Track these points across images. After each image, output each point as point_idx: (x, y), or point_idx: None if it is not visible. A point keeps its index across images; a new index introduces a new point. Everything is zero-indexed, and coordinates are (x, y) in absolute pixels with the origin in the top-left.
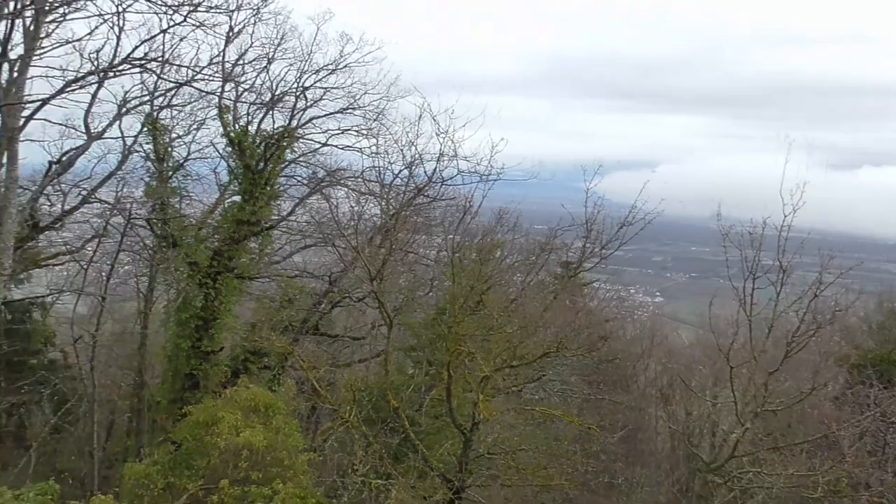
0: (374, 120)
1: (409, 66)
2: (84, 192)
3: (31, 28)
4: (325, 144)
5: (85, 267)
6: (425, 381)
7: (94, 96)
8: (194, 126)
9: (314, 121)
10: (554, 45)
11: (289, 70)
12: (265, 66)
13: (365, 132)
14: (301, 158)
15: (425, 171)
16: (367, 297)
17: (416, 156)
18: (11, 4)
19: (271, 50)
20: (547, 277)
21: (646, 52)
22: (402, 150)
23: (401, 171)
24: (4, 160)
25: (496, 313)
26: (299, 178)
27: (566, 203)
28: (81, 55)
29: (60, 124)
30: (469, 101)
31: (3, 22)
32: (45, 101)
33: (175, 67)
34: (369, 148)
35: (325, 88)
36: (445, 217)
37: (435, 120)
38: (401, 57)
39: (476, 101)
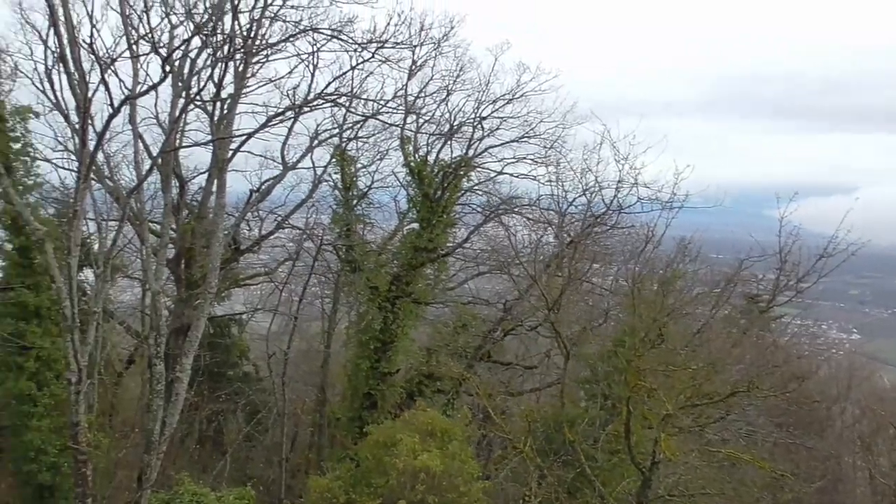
0: (550, 147)
1: (580, 93)
2: (279, 218)
3: (241, 69)
4: (500, 173)
5: (280, 288)
6: (601, 414)
7: (290, 130)
8: (378, 157)
9: (490, 150)
10: (721, 66)
11: (467, 101)
12: (445, 98)
13: (541, 160)
14: (477, 187)
15: (603, 199)
16: (541, 326)
17: (594, 183)
18: (226, 49)
19: (451, 82)
20: (732, 311)
21: (824, 70)
22: (578, 178)
23: (575, 198)
24: (214, 188)
25: (679, 348)
26: (475, 206)
27: (742, 230)
28: (281, 92)
29: (260, 156)
30: (643, 126)
31: (219, 65)
32: (249, 135)
33: (362, 101)
34: (545, 175)
35: (502, 118)
36: (626, 246)
37: (615, 146)
38: (573, 84)
39: (649, 126)
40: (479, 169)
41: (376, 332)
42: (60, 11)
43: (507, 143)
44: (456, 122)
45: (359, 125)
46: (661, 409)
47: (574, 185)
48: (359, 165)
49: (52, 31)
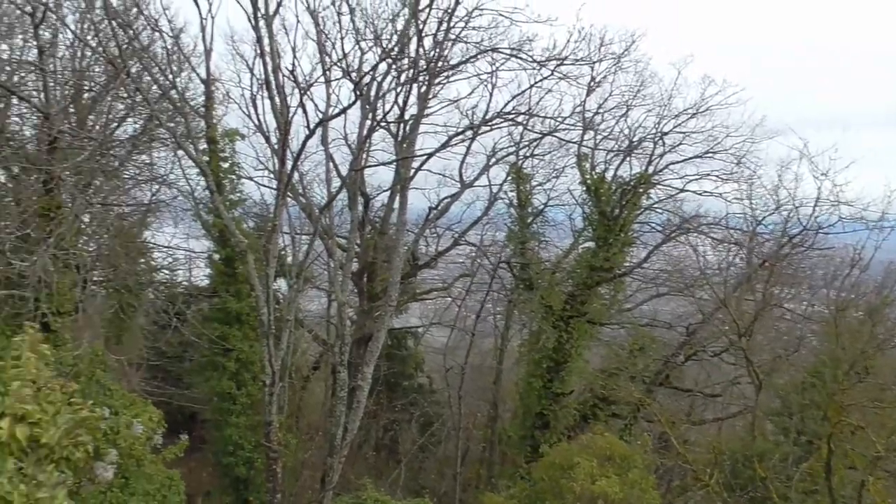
0: (737, 164)
1: (768, 106)
2: (455, 235)
3: (423, 91)
4: (682, 190)
5: (458, 304)
6: (794, 450)
7: (468, 148)
8: (554, 174)
9: (672, 166)
10: None
11: (647, 116)
12: (624, 114)
13: (727, 176)
14: (657, 205)
15: (798, 218)
16: (726, 352)
17: (788, 200)
18: (410, 72)
19: (630, 97)
20: None
21: None
22: (770, 195)
23: (765, 216)
24: (396, 205)
25: (891, 383)
26: (654, 225)
27: None
28: (460, 112)
29: (439, 174)
30: (846, 139)
31: (403, 88)
32: (430, 154)
33: (540, 119)
34: (732, 193)
35: (685, 133)
36: (824, 269)
37: (812, 161)
38: (762, 96)
39: (852, 139)
40: (659, 186)
41: (549, 351)
42: (266, 42)
43: (690, 158)
44: (635, 138)
45: (536, 143)
46: (869, 449)
47: (765, 203)
48: (534, 183)
49: (257, 61)
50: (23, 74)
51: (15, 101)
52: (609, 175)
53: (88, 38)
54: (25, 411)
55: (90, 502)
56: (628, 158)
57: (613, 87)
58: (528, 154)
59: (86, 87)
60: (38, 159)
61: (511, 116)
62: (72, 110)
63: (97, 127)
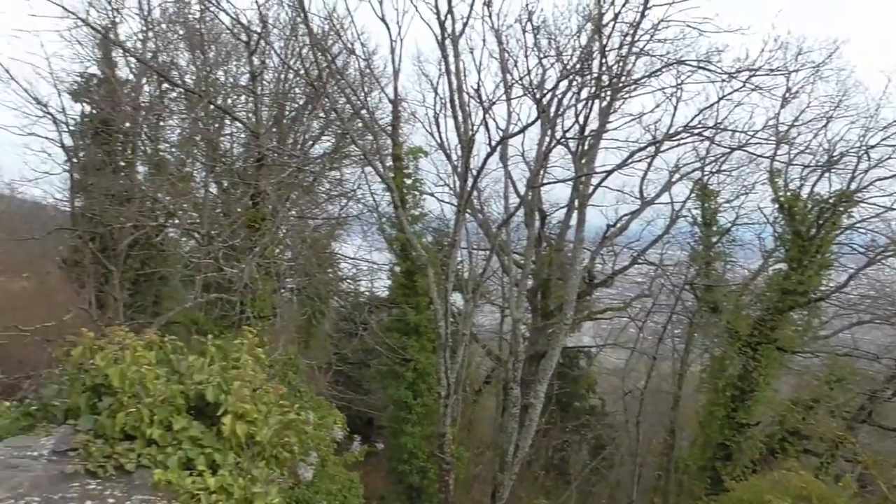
0: None
1: None
2: (634, 254)
3: (605, 106)
4: (890, 208)
5: (639, 325)
6: None
7: (649, 164)
8: (742, 191)
9: (878, 182)
10: None
11: (850, 128)
12: (823, 126)
13: None
14: (860, 224)
15: None
16: None
17: None
18: (592, 88)
19: (831, 108)
20: None
21: None
22: None
23: None
24: (573, 222)
25: None
26: (856, 246)
27: None
28: (642, 126)
29: (618, 190)
30: None
31: (584, 104)
32: (611, 171)
33: (728, 133)
34: None
35: (894, 146)
36: None
37: None
38: None
39: None
40: (863, 204)
41: (734, 378)
42: (451, 62)
43: None
44: (836, 153)
45: (723, 158)
46: None
47: None
48: (721, 200)
49: (441, 80)
50: (234, 97)
51: (227, 121)
52: (805, 192)
53: (291, 62)
54: (245, 410)
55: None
56: (827, 174)
57: (811, 97)
58: (714, 170)
59: (287, 108)
60: (248, 175)
61: (697, 130)
62: (273, 130)
63: (298, 145)
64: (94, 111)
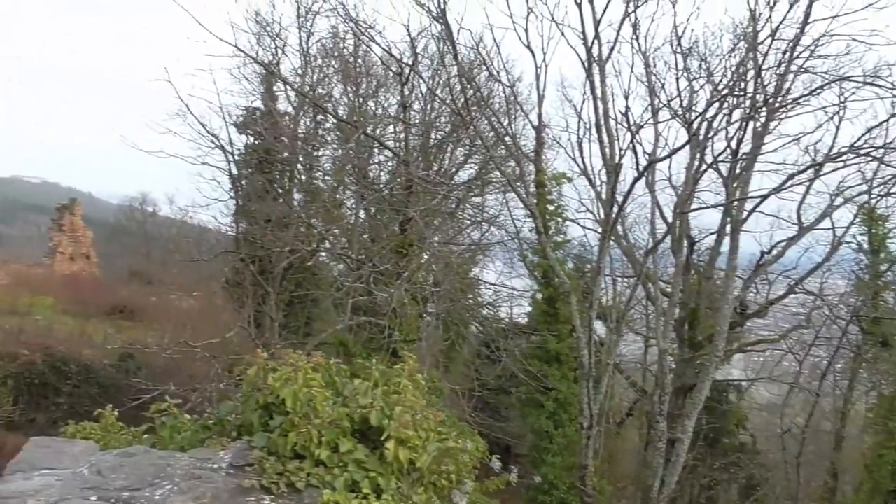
0: None
1: None
2: (790, 283)
3: (760, 128)
4: None
5: (800, 359)
6: None
7: (808, 187)
8: None
9: None
10: None
11: None
12: None
13: None
14: None
15: None
16: None
17: None
18: (745, 109)
19: None
20: None
21: None
22: None
23: None
24: (724, 249)
25: None
26: None
27: None
28: (799, 148)
29: (772, 215)
30: None
31: (737, 125)
32: (766, 196)
33: None
34: None
35: None
36: None
37: None
38: None
39: None
40: None
41: None
42: (598, 86)
43: None
44: None
45: (894, 180)
46: None
47: None
48: (890, 225)
49: (586, 104)
50: (383, 126)
51: (376, 149)
52: None
53: (438, 91)
54: (407, 436)
55: None
56: None
57: None
58: (882, 193)
59: (433, 136)
60: (397, 202)
61: (864, 151)
62: (419, 158)
63: (443, 171)
64: (257, 142)
